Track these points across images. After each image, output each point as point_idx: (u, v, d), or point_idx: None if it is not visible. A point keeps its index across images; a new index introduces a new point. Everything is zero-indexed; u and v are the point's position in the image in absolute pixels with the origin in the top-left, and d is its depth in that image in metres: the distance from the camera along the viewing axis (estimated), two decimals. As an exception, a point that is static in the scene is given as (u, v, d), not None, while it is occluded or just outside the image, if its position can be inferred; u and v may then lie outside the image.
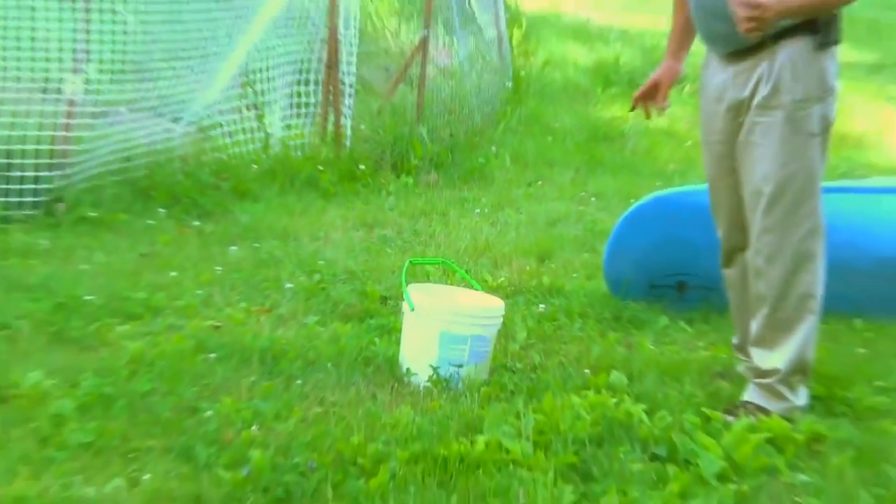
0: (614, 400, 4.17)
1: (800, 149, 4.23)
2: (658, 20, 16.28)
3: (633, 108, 4.83)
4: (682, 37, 4.72)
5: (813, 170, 4.26)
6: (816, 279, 4.33)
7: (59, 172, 6.80)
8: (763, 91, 4.24)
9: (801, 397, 4.37)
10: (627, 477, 3.75)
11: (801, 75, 4.20)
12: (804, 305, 4.32)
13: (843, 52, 4.34)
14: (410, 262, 4.94)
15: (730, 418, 4.21)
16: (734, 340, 4.75)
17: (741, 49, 4.28)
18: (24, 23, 7.24)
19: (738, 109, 4.33)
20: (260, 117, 8.35)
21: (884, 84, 13.94)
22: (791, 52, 4.20)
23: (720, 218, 4.59)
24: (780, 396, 4.34)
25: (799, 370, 4.36)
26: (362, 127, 8.87)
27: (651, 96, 4.77)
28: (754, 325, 4.41)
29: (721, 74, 4.39)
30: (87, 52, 7.09)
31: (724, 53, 4.37)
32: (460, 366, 4.53)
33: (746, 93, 4.29)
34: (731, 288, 4.65)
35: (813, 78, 4.21)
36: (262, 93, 8.44)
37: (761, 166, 4.27)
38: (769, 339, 4.37)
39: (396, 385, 4.52)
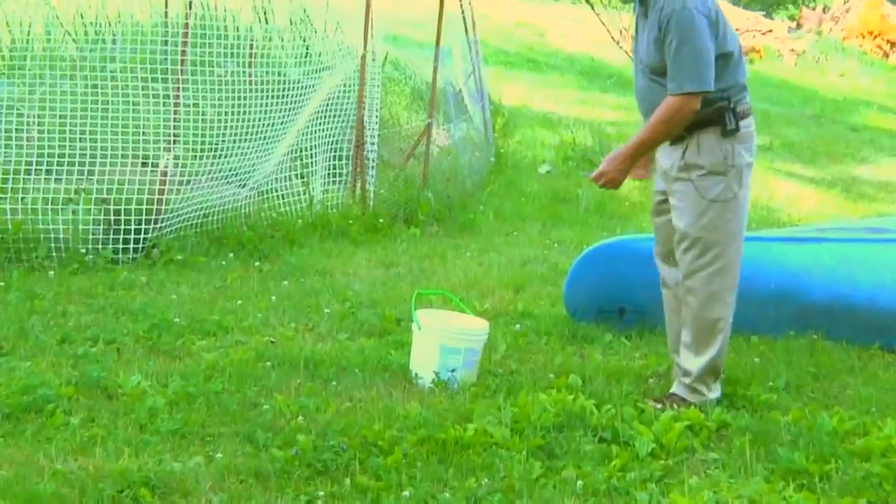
0: (571, 397, 4.16)
1: (705, 211, 4.24)
2: (604, 112, 16.38)
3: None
4: None
5: (717, 226, 4.25)
6: (725, 307, 4.33)
7: (154, 226, 6.80)
8: (678, 164, 4.27)
9: (714, 391, 4.38)
10: (582, 455, 3.75)
11: (705, 155, 4.22)
12: (715, 327, 4.33)
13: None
14: (418, 292, 4.94)
15: (658, 406, 4.21)
16: (669, 344, 4.74)
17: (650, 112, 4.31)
18: (129, 114, 7.28)
19: (666, 176, 4.36)
20: (306, 184, 8.36)
21: (773, 160, 13.97)
22: (700, 137, 4.23)
23: (658, 247, 4.59)
24: (698, 392, 4.34)
25: (711, 373, 4.36)
26: (382, 191, 8.87)
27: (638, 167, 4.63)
28: (683, 335, 4.42)
29: (663, 150, 4.40)
30: (176, 135, 7.11)
31: None
32: (455, 371, 4.52)
33: (670, 164, 4.32)
34: (665, 301, 4.65)
35: (717, 157, 4.21)
36: (307, 165, 8.45)
37: (680, 222, 4.30)
38: (692, 348, 4.37)
39: (407, 386, 4.52)
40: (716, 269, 4.29)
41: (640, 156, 4.36)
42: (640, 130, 4.29)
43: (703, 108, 4.17)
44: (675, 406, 4.25)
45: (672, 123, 4.19)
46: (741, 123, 4.23)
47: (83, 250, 6.57)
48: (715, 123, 4.21)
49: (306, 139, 8.31)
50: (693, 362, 4.36)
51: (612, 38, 13.94)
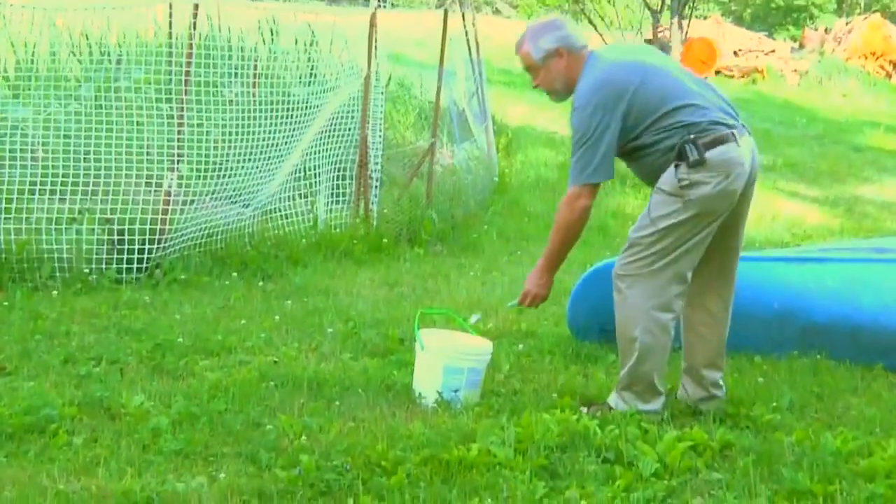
0: (575, 417, 4.15)
1: (647, 226, 4.26)
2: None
3: None
4: None
5: (642, 241, 4.25)
6: (646, 332, 4.27)
7: (158, 246, 6.82)
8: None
9: (649, 404, 4.36)
10: (585, 475, 3.73)
11: (665, 178, 4.20)
12: (632, 346, 4.31)
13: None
14: (421, 312, 4.93)
15: (584, 410, 4.32)
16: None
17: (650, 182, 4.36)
18: (133, 134, 7.31)
19: None
20: (312, 203, 8.38)
21: (776, 180, 13.99)
22: (672, 167, 4.21)
23: None
24: (625, 401, 4.35)
25: (639, 385, 4.34)
26: (386, 210, 8.89)
27: None
28: None
29: None
30: (180, 155, 7.13)
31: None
32: (458, 391, 4.51)
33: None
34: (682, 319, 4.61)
35: (673, 181, 4.18)
36: (311, 185, 8.47)
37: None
38: (619, 355, 4.43)
39: (411, 406, 4.51)
40: (627, 283, 4.28)
41: (556, 265, 4.53)
42: (548, 241, 4.47)
43: (665, 155, 4.20)
44: (598, 413, 4.29)
45: (567, 221, 4.36)
46: (708, 153, 4.13)
47: (87, 270, 6.59)
48: (679, 159, 4.17)
49: (310, 159, 8.33)
50: (622, 371, 4.38)
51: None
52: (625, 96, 4.18)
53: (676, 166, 4.17)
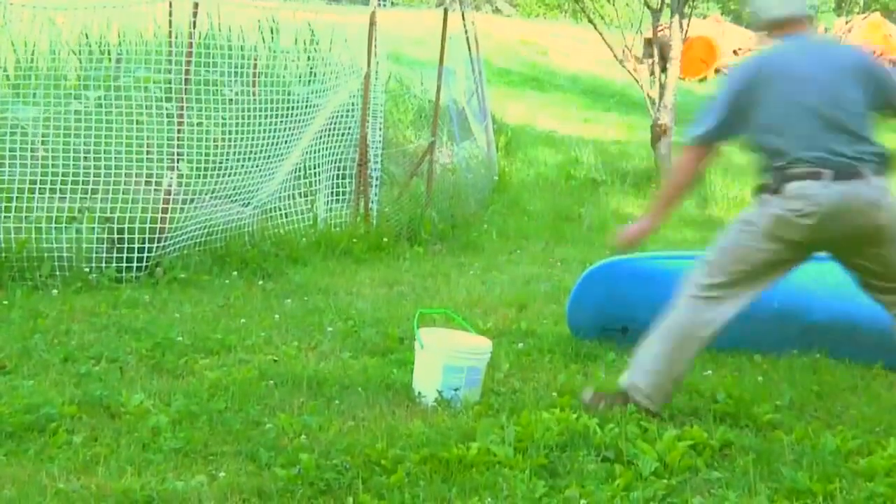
0: (575, 416, 4.15)
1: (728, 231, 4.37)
2: (607, 130, 16.39)
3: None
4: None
5: (722, 245, 4.34)
6: (671, 348, 4.38)
7: (158, 244, 6.82)
8: None
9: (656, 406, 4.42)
10: (585, 474, 3.73)
11: (753, 202, 4.32)
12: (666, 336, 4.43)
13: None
14: (421, 311, 4.92)
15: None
16: None
17: None
18: (133, 133, 7.31)
19: None
20: (312, 202, 8.38)
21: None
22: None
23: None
24: (643, 389, 4.41)
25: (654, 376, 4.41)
26: (386, 209, 8.89)
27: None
28: None
29: None
30: (180, 153, 7.13)
31: None
32: (458, 389, 4.51)
33: None
34: None
35: (756, 205, 4.28)
36: (311, 184, 8.47)
37: None
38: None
39: (410, 404, 4.51)
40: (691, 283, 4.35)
41: (662, 208, 4.53)
42: None
43: (756, 166, 4.33)
44: (609, 403, 4.34)
45: (674, 166, 4.49)
46: (787, 186, 4.16)
47: (87, 269, 6.59)
48: (766, 190, 4.25)
49: (310, 158, 8.33)
50: (645, 361, 4.45)
51: (616, 56, 14.00)
52: (744, 85, 4.28)
53: (758, 189, 4.28)
